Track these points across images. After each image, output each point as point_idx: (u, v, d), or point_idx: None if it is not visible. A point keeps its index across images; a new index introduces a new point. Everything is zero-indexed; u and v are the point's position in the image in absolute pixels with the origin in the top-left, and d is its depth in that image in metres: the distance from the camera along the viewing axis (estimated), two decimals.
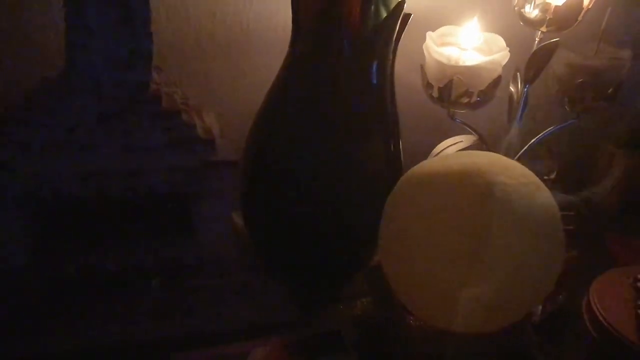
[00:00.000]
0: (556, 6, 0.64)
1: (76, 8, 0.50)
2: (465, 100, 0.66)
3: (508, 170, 0.53)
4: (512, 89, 0.71)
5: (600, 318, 0.57)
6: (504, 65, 0.67)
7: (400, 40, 0.59)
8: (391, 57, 0.59)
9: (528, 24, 0.67)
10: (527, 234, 0.50)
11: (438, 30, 0.68)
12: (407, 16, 0.58)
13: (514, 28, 0.68)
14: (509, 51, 0.66)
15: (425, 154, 0.73)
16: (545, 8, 0.65)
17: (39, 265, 0.58)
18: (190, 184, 0.59)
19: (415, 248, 0.52)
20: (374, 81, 0.59)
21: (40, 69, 0.67)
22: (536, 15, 0.66)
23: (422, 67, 0.68)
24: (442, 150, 0.72)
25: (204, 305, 0.61)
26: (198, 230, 0.62)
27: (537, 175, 0.56)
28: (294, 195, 0.61)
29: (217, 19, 0.70)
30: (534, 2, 0.65)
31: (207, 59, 0.73)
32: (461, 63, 0.65)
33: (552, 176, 0.74)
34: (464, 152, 0.58)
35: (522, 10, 0.67)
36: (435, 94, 0.67)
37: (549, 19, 0.65)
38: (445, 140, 0.73)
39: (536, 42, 0.68)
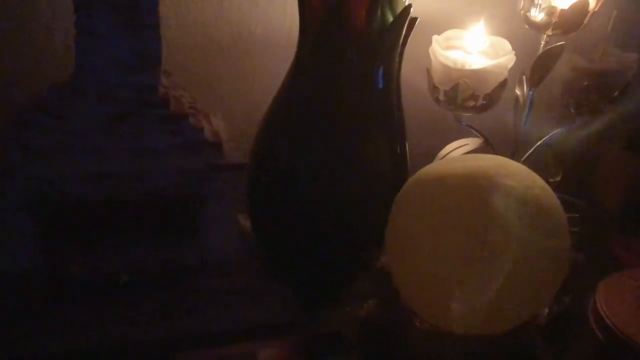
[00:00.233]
0: (562, 10, 0.64)
1: (86, 13, 0.51)
2: (471, 103, 0.66)
3: (514, 173, 0.53)
4: (517, 92, 0.71)
5: (607, 320, 0.57)
6: (510, 69, 0.67)
7: (407, 44, 0.60)
8: (397, 61, 0.60)
9: (533, 28, 0.67)
10: (533, 236, 0.50)
11: (444, 33, 0.69)
12: (414, 20, 0.58)
13: (519, 31, 0.68)
14: (515, 54, 0.66)
15: (431, 157, 0.74)
16: (550, 11, 0.65)
17: (44, 266, 0.59)
18: (197, 187, 0.59)
19: (421, 250, 0.52)
20: (380, 85, 0.59)
21: (48, 71, 0.69)
22: (542, 19, 0.66)
23: (428, 70, 0.69)
24: (448, 153, 0.72)
25: (208, 306, 0.61)
26: (204, 232, 0.62)
27: (543, 178, 0.56)
28: (300, 197, 0.61)
29: (224, 23, 0.71)
30: (540, 6, 0.65)
31: (214, 63, 0.73)
32: (467, 67, 0.65)
33: (558, 179, 0.74)
34: (470, 155, 0.59)
35: (528, 13, 0.67)
36: (441, 97, 0.67)
37: (555, 22, 0.65)
38: (451, 143, 0.73)
39: (542, 45, 0.68)
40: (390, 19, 0.57)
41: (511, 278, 0.50)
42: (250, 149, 0.64)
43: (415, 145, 0.65)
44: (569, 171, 0.75)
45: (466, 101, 0.66)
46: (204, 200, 0.60)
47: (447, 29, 0.69)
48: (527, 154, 0.72)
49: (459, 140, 0.73)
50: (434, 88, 0.68)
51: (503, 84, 0.66)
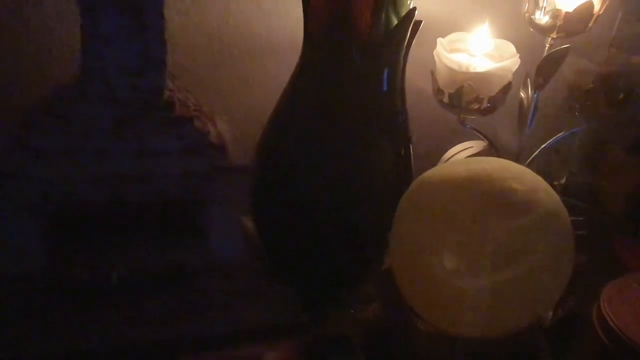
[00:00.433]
0: (566, 12, 0.64)
1: (92, 16, 0.51)
2: (475, 106, 0.66)
3: (518, 176, 0.53)
4: (522, 94, 0.71)
5: (611, 323, 0.57)
6: (514, 71, 0.67)
7: (411, 46, 0.60)
8: (402, 64, 0.60)
9: (538, 31, 0.67)
10: (537, 240, 0.50)
11: (448, 36, 0.69)
12: (418, 23, 0.58)
13: (524, 34, 0.68)
14: (519, 57, 0.66)
15: (436, 159, 0.74)
16: (555, 14, 0.65)
17: (47, 268, 0.59)
18: (201, 189, 0.60)
19: (425, 253, 0.52)
20: (385, 88, 0.59)
21: (52, 73, 0.69)
22: (546, 22, 0.66)
23: (432, 73, 0.69)
24: (452, 156, 0.72)
25: (211, 307, 0.62)
26: (207, 233, 0.62)
27: (547, 181, 0.56)
28: (304, 199, 0.61)
29: (229, 26, 0.71)
30: (544, 9, 0.65)
31: (219, 66, 0.73)
32: (471, 69, 0.65)
33: (562, 181, 0.74)
34: (474, 158, 0.59)
35: (532, 16, 0.67)
36: (445, 99, 0.67)
37: (559, 25, 0.65)
38: (456, 146, 0.73)
39: (546, 48, 0.68)
40: (395, 21, 0.57)
41: (515, 281, 0.50)
42: (254, 151, 0.64)
43: (419, 147, 0.65)
44: (574, 174, 0.75)
45: (470, 104, 0.66)
46: (208, 202, 0.61)
47: (451, 32, 0.69)
48: (532, 156, 0.72)
49: (463, 143, 0.73)
50: (438, 91, 0.68)
51: (507, 87, 0.66)
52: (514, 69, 0.66)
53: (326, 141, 0.60)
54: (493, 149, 0.72)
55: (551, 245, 0.51)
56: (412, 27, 0.58)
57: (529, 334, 0.58)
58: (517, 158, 0.72)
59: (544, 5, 0.65)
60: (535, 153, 0.72)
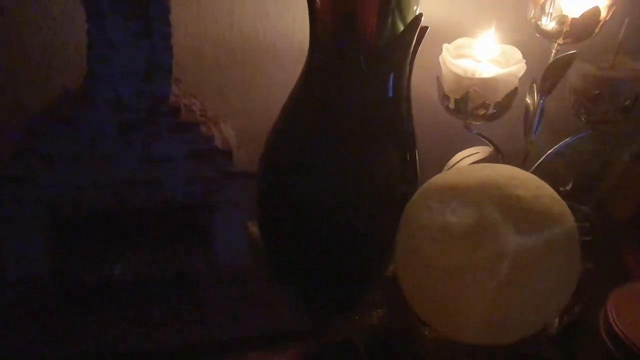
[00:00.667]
0: (573, 18, 0.64)
1: (99, 22, 0.51)
2: (481, 112, 0.66)
3: (524, 183, 0.53)
4: (528, 100, 0.71)
5: (617, 331, 0.57)
6: (521, 77, 0.67)
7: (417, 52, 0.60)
8: (408, 70, 0.60)
9: (545, 36, 0.67)
10: (543, 247, 0.50)
11: (454, 42, 0.69)
12: (424, 29, 0.58)
13: (530, 39, 0.68)
14: (525, 63, 0.66)
15: (441, 165, 0.74)
16: (562, 20, 0.65)
17: (55, 273, 0.59)
18: (207, 194, 0.60)
19: (430, 260, 0.52)
20: (391, 94, 0.59)
21: (60, 79, 0.69)
22: (553, 28, 0.66)
23: (438, 78, 0.69)
24: (458, 162, 0.72)
25: (217, 314, 0.61)
26: (213, 239, 0.62)
27: (553, 187, 0.56)
28: (309, 205, 0.61)
29: (235, 31, 0.71)
30: (551, 15, 0.65)
31: (224, 70, 0.73)
32: (477, 75, 0.65)
33: (568, 187, 0.74)
34: (481, 164, 0.59)
35: (539, 22, 0.67)
36: (451, 105, 0.67)
37: (566, 31, 0.65)
38: (461, 152, 0.73)
39: (553, 53, 0.68)
40: (401, 27, 0.57)
41: (521, 289, 0.50)
42: (259, 156, 0.64)
43: (424, 152, 0.65)
44: (580, 180, 0.75)
45: (476, 109, 0.66)
46: (214, 207, 0.61)
47: (457, 37, 0.69)
48: (538, 162, 0.72)
49: (469, 149, 0.73)
50: (444, 96, 0.68)
51: (514, 93, 0.66)
52: (520, 74, 0.66)
53: (331, 147, 0.60)
54: (499, 155, 0.71)
55: (558, 253, 0.51)
56: (418, 33, 0.58)
57: (535, 340, 0.58)
58: (523, 163, 0.72)
59: (551, 11, 0.65)
60: (542, 158, 0.72)
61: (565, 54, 0.66)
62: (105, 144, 0.55)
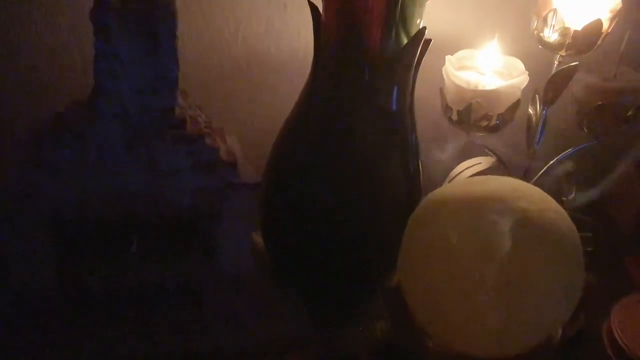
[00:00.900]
0: (575, 31, 0.64)
1: (106, 36, 0.52)
2: (484, 123, 0.67)
3: (528, 196, 0.53)
4: (530, 111, 0.71)
5: (620, 342, 0.57)
6: (523, 88, 0.67)
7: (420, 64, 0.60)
8: (411, 82, 0.60)
9: (547, 48, 0.67)
10: (547, 259, 0.51)
11: (457, 53, 0.69)
12: (427, 42, 0.59)
13: (532, 50, 0.68)
14: (528, 74, 0.67)
15: (444, 175, 0.74)
16: (564, 32, 0.65)
17: (61, 284, 0.60)
18: (212, 205, 0.60)
19: (434, 272, 0.53)
20: (394, 106, 0.60)
21: (66, 91, 0.70)
22: (555, 40, 0.66)
23: (441, 89, 0.69)
24: (461, 172, 0.72)
25: (221, 323, 0.62)
26: (218, 249, 0.63)
27: (556, 197, 0.56)
28: (313, 216, 0.62)
29: (240, 44, 0.72)
30: (553, 27, 0.66)
31: (229, 81, 0.74)
32: (480, 87, 0.66)
33: (571, 197, 0.74)
34: (484, 177, 0.59)
35: (541, 34, 0.67)
36: (454, 117, 0.68)
37: (568, 43, 0.65)
38: (464, 162, 0.73)
39: (555, 65, 0.68)
40: (405, 40, 0.57)
41: (525, 300, 0.50)
42: (264, 167, 0.64)
43: (427, 162, 0.66)
44: (582, 190, 0.75)
45: (479, 121, 0.67)
46: (219, 218, 0.61)
47: (460, 49, 0.69)
48: (540, 172, 0.72)
49: (471, 159, 0.73)
50: (447, 108, 0.68)
51: (516, 104, 0.67)
52: (523, 86, 0.67)
53: (335, 159, 0.60)
54: (501, 165, 0.72)
55: (562, 265, 0.51)
56: (421, 46, 0.58)
57: (538, 352, 0.58)
58: (525, 174, 0.72)
59: (553, 23, 0.65)
60: (544, 169, 0.72)
61: (567, 65, 0.66)
62: (112, 156, 0.55)
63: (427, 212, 0.56)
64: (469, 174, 0.71)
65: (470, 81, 0.66)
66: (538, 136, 0.71)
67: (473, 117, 0.66)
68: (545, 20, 0.66)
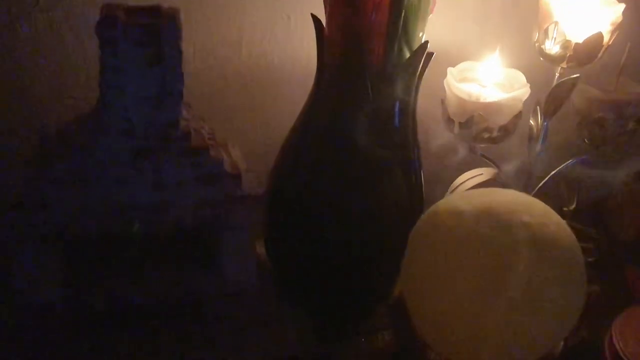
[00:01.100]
0: (576, 43, 0.65)
1: (111, 50, 0.52)
2: (486, 135, 0.67)
3: (530, 208, 0.53)
4: (532, 122, 0.72)
5: (622, 355, 0.57)
6: (525, 100, 0.68)
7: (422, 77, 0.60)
8: (414, 94, 0.60)
9: (548, 60, 0.68)
10: (549, 272, 0.51)
11: (458, 65, 0.69)
12: (430, 55, 0.59)
13: (534, 62, 0.69)
14: (529, 86, 0.67)
15: (446, 185, 0.74)
16: (565, 45, 0.65)
17: (66, 297, 0.60)
18: (216, 217, 0.60)
19: (437, 285, 0.53)
20: (397, 118, 0.60)
21: (71, 104, 0.70)
22: (557, 52, 0.66)
23: (442, 101, 0.69)
24: (462, 183, 0.72)
25: (224, 336, 0.62)
26: (222, 262, 0.63)
27: (557, 207, 0.56)
28: (316, 229, 0.62)
29: (243, 56, 0.72)
30: (555, 39, 0.66)
31: (232, 93, 0.74)
32: (482, 99, 0.66)
33: (572, 208, 0.75)
34: (487, 189, 0.59)
35: (543, 46, 0.67)
36: (456, 129, 0.68)
37: (569, 55, 0.65)
38: (466, 173, 0.73)
39: (556, 77, 0.68)
40: (407, 54, 0.58)
41: (528, 313, 0.51)
42: (267, 180, 0.65)
43: (428, 173, 0.66)
44: (583, 200, 0.75)
45: (481, 133, 0.67)
46: (223, 230, 0.61)
47: (461, 61, 0.70)
48: (542, 183, 0.72)
49: (473, 170, 0.73)
50: (448, 120, 0.68)
51: (518, 116, 0.67)
52: (524, 98, 0.67)
53: (338, 172, 0.61)
54: (503, 176, 0.72)
55: (564, 278, 0.51)
56: (424, 60, 0.58)
57: None
58: (526, 184, 0.72)
59: (555, 35, 0.66)
60: (545, 179, 0.72)
61: (568, 77, 0.67)
62: (117, 169, 0.56)
63: (430, 225, 0.56)
64: (471, 185, 0.71)
65: (472, 93, 0.66)
66: (539, 147, 0.71)
67: (475, 129, 0.66)
68: (546, 32, 0.66)
